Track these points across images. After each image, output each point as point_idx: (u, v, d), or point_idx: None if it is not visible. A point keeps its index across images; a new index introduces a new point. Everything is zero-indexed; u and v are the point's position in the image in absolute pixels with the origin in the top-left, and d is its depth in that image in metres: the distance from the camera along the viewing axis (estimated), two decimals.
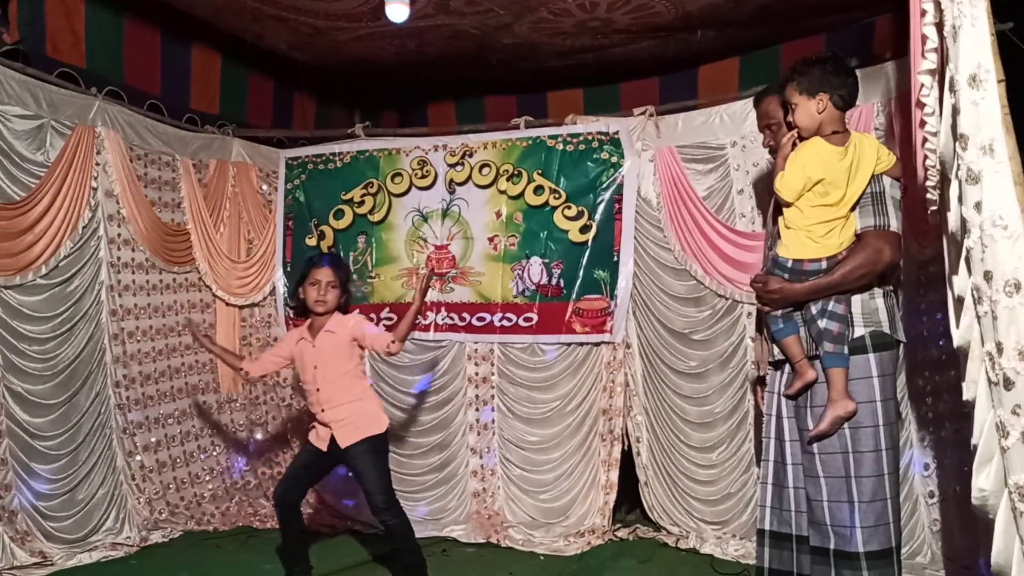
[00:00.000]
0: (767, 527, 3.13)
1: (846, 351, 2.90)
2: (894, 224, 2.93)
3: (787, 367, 3.09)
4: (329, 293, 3.84)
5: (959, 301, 2.12)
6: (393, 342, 3.79)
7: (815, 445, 2.95)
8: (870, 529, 2.86)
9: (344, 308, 3.95)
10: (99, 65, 4.82)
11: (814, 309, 2.95)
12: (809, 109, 2.93)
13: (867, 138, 2.99)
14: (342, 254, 5.33)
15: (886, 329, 2.94)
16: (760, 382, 3.43)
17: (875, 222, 2.92)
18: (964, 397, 2.14)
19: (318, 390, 3.83)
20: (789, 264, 2.96)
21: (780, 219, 3.02)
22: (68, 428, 4.45)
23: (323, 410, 3.81)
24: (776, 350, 3.12)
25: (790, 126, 3.08)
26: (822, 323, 2.91)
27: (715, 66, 5.94)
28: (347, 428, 3.77)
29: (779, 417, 3.13)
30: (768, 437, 3.17)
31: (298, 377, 5.35)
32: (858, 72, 4.14)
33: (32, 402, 4.28)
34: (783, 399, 3.11)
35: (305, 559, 3.96)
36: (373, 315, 5.23)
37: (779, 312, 3.03)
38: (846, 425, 2.89)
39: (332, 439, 3.78)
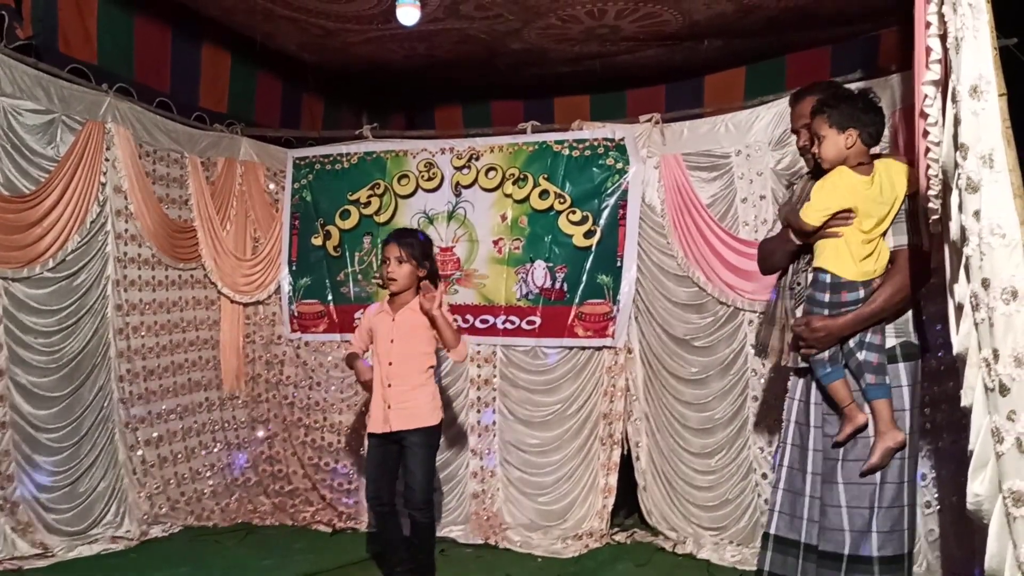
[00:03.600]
0: (773, 531, 3.13)
1: (888, 381, 2.90)
2: (927, 242, 2.89)
3: (811, 375, 3.08)
4: (399, 269, 3.82)
5: (959, 308, 2.15)
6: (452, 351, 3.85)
7: (840, 451, 2.96)
8: (885, 534, 2.89)
9: (430, 280, 3.90)
10: (110, 62, 4.86)
11: (852, 342, 2.93)
12: (838, 143, 2.93)
13: (892, 163, 2.97)
14: (347, 254, 5.36)
15: (914, 339, 2.99)
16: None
17: (909, 240, 2.93)
18: (962, 403, 2.16)
19: (390, 364, 3.83)
20: (828, 280, 2.92)
21: (823, 240, 2.99)
22: (71, 421, 4.47)
23: (389, 385, 3.81)
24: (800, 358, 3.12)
25: (809, 152, 3.12)
26: (861, 355, 2.91)
27: (721, 75, 5.98)
28: (403, 412, 3.78)
29: (801, 424, 3.12)
30: (785, 443, 3.17)
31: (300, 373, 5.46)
32: (863, 84, 4.23)
33: (36, 394, 4.31)
34: (810, 407, 3.09)
35: (405, 558, 3.89)
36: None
37: (826, 354, 2.97)
38: (869, 429, 2.91)
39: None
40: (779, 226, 3.46)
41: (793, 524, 3.07)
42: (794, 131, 3.38)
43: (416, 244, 3.88)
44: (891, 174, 2.91)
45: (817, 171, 3.15)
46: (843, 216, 2.91)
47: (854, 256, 2.89)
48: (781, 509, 3.12)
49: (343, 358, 4.18)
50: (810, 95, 3.24)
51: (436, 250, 5.07)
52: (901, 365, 2.95)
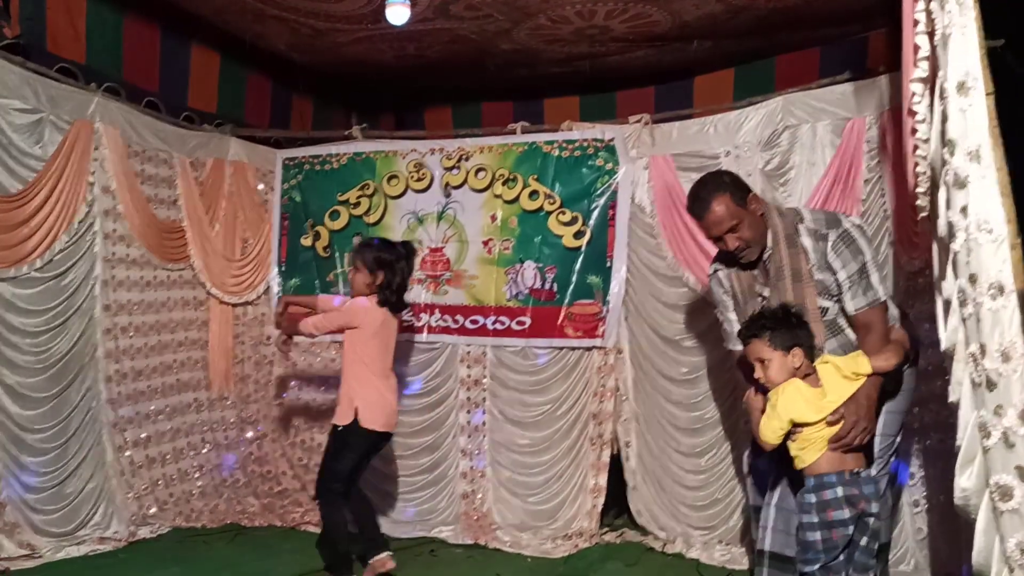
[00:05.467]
0: (767, 548, 3.14)
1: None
2: (881, 291, 3.01)
3: None
4: (354, 278, 4.08)
5: (947, 304, 2.17)
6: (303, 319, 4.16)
7: None
8: (884, 522, 3.02)
9: (385, 286, 4.02)
10: (99, 61, 4.84)
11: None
12: (784, 364, 2.89)
13: (827, 366, 2.96)
14: (337, 255, 5.35)
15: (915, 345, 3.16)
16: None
17: (867, 301, 3.00)
18: (949, 399, 2.18)
19: None
20: (812, 483, 2.87)
21: (790, 442, 2.93)
22: (58, 422, 4.44)
23: None
24: None
25: (743, 251, 3.13)
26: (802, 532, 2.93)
27: (710, 76, 6.00)
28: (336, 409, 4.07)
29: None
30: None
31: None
32: (851, 85, 4.26)
33: (23, 395, 4.27)
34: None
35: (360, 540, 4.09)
36: None
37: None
38: (879, 435, 3.02)
39: None
40: None
41: (788, 542, 3.08)
42: (716, 239, 3.20)
43: (368, 253, 4.06)
44: (840, 371, 2.91)
45: (752, 264, 3.20)
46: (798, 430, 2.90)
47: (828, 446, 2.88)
48: (775, 527, 3.14)
49: None
50: (715, 197, 3.11)
51: (422, 256, 5.10)
52: (912, 370, 3.14)
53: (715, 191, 3.11)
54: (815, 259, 3.05)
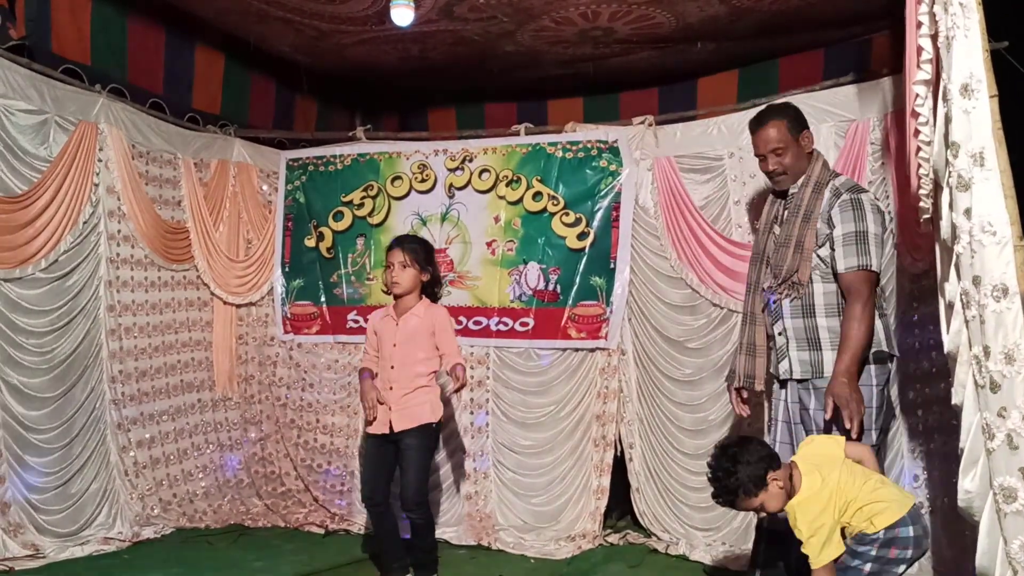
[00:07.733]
0: (767, 525, 3.30)
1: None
2: (875, 263, 3.15)
3: (792, 383, 3.33)
4: (402, 273, 3.92)
5: (950, 307, 2.17)
6: (458, 365, 3.83)
7: None
8: None
9: (431, 286, 4.04)
10: (103, 63, 4.85)
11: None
12: (771, 495, 2.74)
13: (808, 448, 2.94)
14: (340, 256, 5.36)
15: (884, 347, 3.23)
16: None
17: (858, 262, 3.14)
18: (952, 401, 2.18)
19: (392, 367, 3.92)
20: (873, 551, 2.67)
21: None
22: (62, 422, 4.46)
23: (391, 388, 3.90)
24: (782, 369, 3.34)
25: (777, 176, 3.40)
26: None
27: (714, 78, 5.99)
28: (403, 414, 3.87)
29: (788, 423, 3.36)
30: (775, 442, 3.36)
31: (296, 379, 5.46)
32: (855, 87, 4.26)
33: (27, 395, 4.29)
34: (788, 407, 3.35)
35: (401, 556, 3.98)
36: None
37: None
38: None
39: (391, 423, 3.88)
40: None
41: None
42: (759, 155, 3.48)
43: (420, 249, 4.01)
44: (824, 449, 2.90)
45: (782, 193, 3.46)
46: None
47: (861, 515, 2.70)
48: None
49: (358, 371, 4.29)
50: (772, 119, 3.41)
51: None
52: (872, 367, 3.19)
53: (776, 115, 3.43)
54: (823, 209, 3.26)
